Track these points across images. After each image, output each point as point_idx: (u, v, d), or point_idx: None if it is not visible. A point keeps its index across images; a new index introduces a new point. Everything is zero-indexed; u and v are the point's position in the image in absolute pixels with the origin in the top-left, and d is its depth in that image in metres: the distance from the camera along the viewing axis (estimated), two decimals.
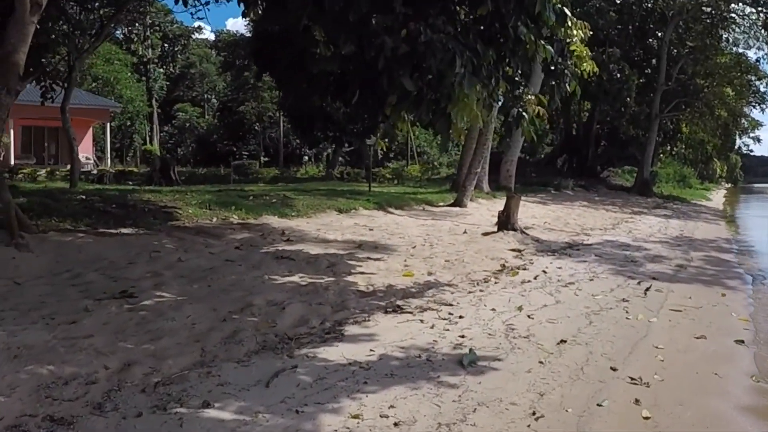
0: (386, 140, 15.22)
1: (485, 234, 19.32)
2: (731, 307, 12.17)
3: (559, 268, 15.11)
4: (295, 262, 13.32)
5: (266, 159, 70.29)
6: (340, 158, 62.49)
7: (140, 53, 75.13)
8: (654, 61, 56.82)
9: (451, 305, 10.73)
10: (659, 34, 55.58)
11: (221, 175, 47.80)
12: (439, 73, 10.19)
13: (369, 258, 14.35)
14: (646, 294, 12.69)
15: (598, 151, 62.29)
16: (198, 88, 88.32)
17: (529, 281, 13.27)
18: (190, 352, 7.70)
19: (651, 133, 54.68)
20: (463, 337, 8.85)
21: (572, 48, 14.47)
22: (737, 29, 57.74)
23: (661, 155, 71.24)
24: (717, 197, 75.25)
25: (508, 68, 11.90)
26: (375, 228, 19.07)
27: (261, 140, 76.09)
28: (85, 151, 51.04)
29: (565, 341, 8.87)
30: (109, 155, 53.82)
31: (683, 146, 75.48)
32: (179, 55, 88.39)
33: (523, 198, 33.31)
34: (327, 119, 15.19)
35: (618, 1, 54.87)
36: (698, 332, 9.96)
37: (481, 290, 12.13)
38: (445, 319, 9.84)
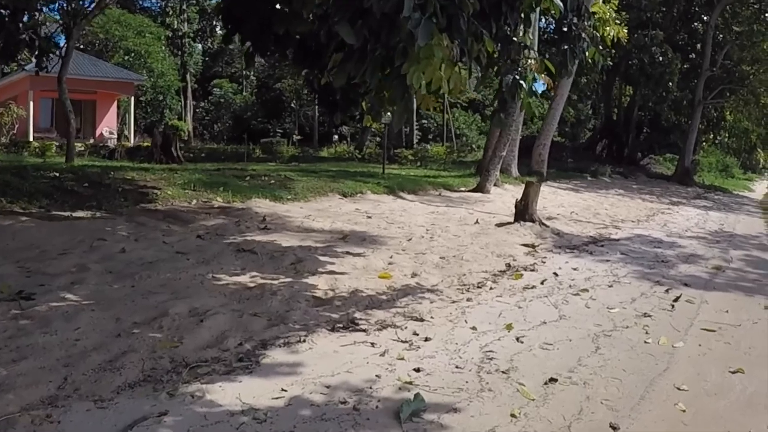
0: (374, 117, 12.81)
1: (499, 225, 17.19)
2: None
3: (575, 269, 12.87)
4: (256, 257, 11.32)
5: (299, 138, 68.19)
6: (378, 138, 60.73)
7: (175, 26, 73.50)
8: (699, 45, 55.20)
9: (421, 321, 8.52)
10: (705, 18, 54.23)
11: (241, 152, 45.90)
12: (385, 20, 7.97)
13: (348, 253, 12.18)
14: (673, 306, 10.40)
15: (640, 138, 60.46)
16: (237, 64, 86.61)
17: (533, 287, 11.00)
18: (47, 382, 5.79)
19: (693, 121, 53.04)
20: (418, 370, 6.68)
21: (593, 8, 12.04)
22: None
23: (704, 143, 69.34)
24: (760, 188, 73.26)
25: (505, 25, 9.59)
26: (375, 215, 17.02)
27: (296, 118, 74.35)
28: (109, 124, 49.89)
29: (556, 380, 6.68)
30: (132, 130, 52.10)
31: (726, 135, 73.53)
32: (218, 30, 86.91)
33: (555, 184, 31.90)
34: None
35: None
36: (734, 362, 7.78)
37: (468, 299, 9.86)
38: (405, 341, 7.65)
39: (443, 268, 11.86)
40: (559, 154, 48.74)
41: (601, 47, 13.23)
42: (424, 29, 7.32)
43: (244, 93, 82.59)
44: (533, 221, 17.34)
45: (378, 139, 58.87)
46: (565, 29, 10.69)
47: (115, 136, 48.89)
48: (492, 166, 26.37)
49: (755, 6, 52.96)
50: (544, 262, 13.37)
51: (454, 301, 9.65)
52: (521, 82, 9.82)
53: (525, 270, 12.43)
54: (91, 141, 44.06)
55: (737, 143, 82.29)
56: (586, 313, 9.55)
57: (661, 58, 47.83)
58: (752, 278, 13.83)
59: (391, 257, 12.24)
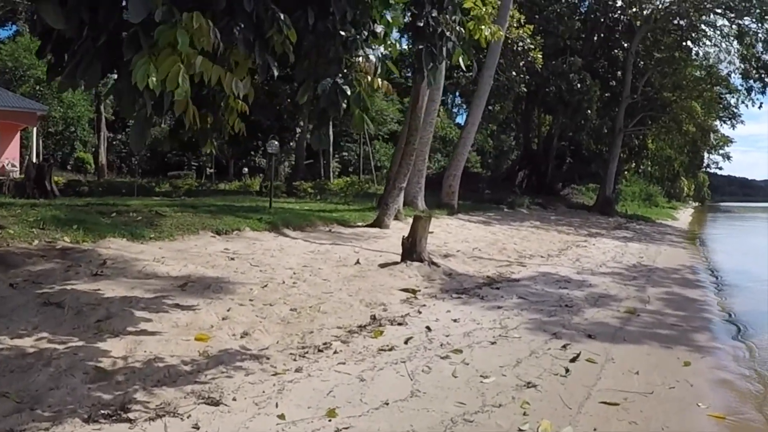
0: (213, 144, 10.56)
1: (383, 265, 15.03)
2: (697, 389, 7.97)
3: (455, 320, 10.66)
4: (61, 312, 8.98)
5: (213, 171, 65.97)
6: (290, 170, 59.00)
7: None
8: (619, 73, 54.81)
9: (217, 404, 6.25)
10: (625, 45, 53.82)
11: (146, 187, 43.74)
12: None
13: (178, 305, 9.80)
14: (568, 370, 8.25)
15: (563, 168, 59.63)
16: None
17: (391, 348, 8.72)
18: None
19: (614, 149, 52.78)
20: None
21: (466, 4, 9.81)
22: (708, 42, 55.68)
23: (626, 172, 69.10)
24: (684, 216, 73.24)
25: (329, 15, 7.26)
26: (241, 256, 14.71)
27: (212, 150, 72.46)
28: (11, 156, 47.64)
29: None
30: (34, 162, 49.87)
31: (649, 163, 73.57)
32: None
33: (465, 217, 30.13)
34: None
35: (582, 10, 52.88)
36: None
37: (298, 369, 7.53)
38: None
39: (289, 323, 9.58)
40: (476, 185, 47.68)
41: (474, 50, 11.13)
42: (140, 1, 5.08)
43: (163, 125, 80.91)
44: (422, 260, 15.20)
45: (290, 171, 57.17)
46: (421, 24, 8.55)
47: (17, 168, 46.42)
48: (391, 198, 24.10)
49: (677, 33, 52.99)
50: (421, 312, 11.11)
51: (276, 373, 7.31)
52: (344, 87, 7.47)
53: (392, 323, 10.15)
54: None
55: (660, 171, 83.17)
56: (449, 386, 7.32)
57: (579, 85, 46.89)
58: (671, 323, 12.05)
59: (228, 310, 9.90)
